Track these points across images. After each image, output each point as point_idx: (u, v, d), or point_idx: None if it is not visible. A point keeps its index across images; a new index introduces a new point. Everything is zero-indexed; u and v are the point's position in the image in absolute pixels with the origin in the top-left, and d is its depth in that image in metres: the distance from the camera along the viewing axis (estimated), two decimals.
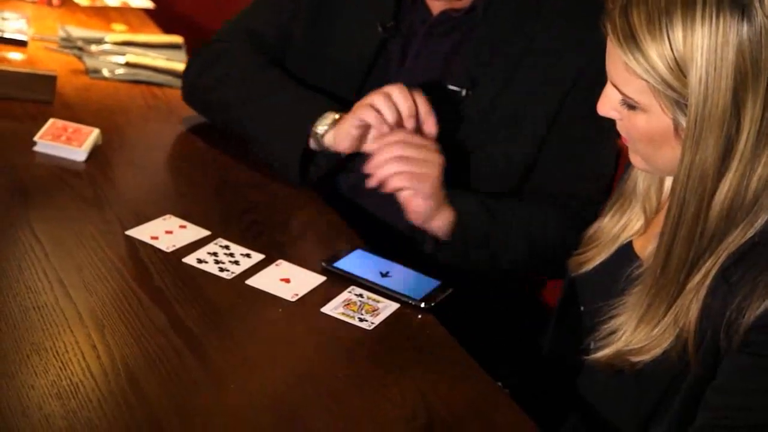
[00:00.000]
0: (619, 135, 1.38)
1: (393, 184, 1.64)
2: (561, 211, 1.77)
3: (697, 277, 1.29)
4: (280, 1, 1.93)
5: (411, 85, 1.72)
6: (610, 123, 1.38)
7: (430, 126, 1.67)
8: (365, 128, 1.69)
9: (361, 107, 1.69)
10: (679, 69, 1.23)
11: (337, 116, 1.75)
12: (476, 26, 1.78)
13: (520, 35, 1.76)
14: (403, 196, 1.65)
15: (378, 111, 1.67)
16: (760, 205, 1.27)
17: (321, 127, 1.75)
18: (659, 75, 1.24)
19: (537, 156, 1.78)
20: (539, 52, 1.76)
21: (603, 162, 1.80)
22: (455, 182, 1.74)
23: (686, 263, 1.29)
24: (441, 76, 1.79)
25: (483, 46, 1.78)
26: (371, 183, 1.65)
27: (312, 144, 1.77)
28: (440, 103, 1.74)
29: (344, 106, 1.78)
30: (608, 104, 1.34)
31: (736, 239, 1.28)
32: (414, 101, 1.67)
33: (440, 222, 1.68)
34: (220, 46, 1.97)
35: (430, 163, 1.64)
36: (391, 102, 1.67)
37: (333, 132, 1.73)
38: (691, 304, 1.29)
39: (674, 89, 1.24)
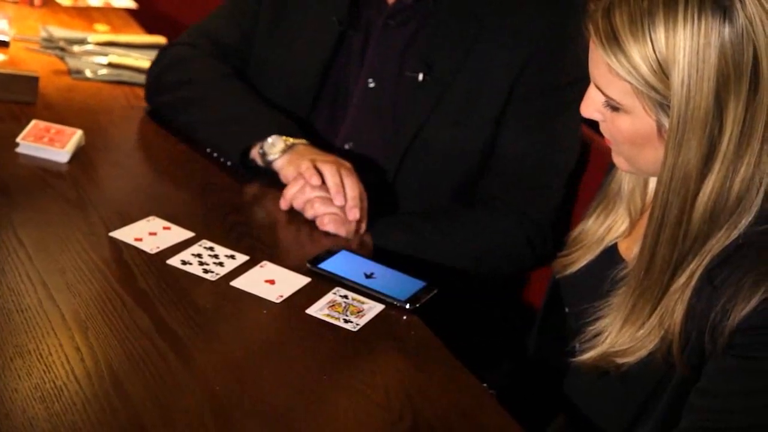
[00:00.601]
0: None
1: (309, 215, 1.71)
2: (509, 211, 1.81)
3: (682, 279, 1.30)
4: (242, 5, 1.97)
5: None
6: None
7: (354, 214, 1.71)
8: None
9: (305, 162, 1.72)
10: (662, 70, 1.24)
11: (289, 142, 1.78)
12: (430, 13, 1.83)
13: (472, 19, 1.81)
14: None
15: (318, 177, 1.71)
16: (743, 206, 1.28)
17: (272, 155, 1.78)
18: (642, 76, 1.25)
19: (493, 139, 1.82)
20: (491, 34, 1.80)
21: (560, 143, 1.83)
22: (415, 172, 1.81)
23: (670, 264, 1.30)
24: (399, 65, 1.84)
25: (437, 33, 1.83)
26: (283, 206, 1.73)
27: (256, 157, 1.81)
28: (399, 90, 1.81)
29: (303, 106, 1.86)
30: (591, 106, 1.35)
31: (719, 241, 1.29)
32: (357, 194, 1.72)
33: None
34: (181, 50, 2.01)
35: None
36: (339, 185, 1.70)
37: (283, 165, 1.76)
38: (676, 306, 1.30)
39: (657, 90, 1.25)
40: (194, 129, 1.91)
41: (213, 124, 1.88)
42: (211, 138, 1.88)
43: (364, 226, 1.72)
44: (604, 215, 1.49)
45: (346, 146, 1.88)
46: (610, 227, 1.48)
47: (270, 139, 1.79)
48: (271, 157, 1.78)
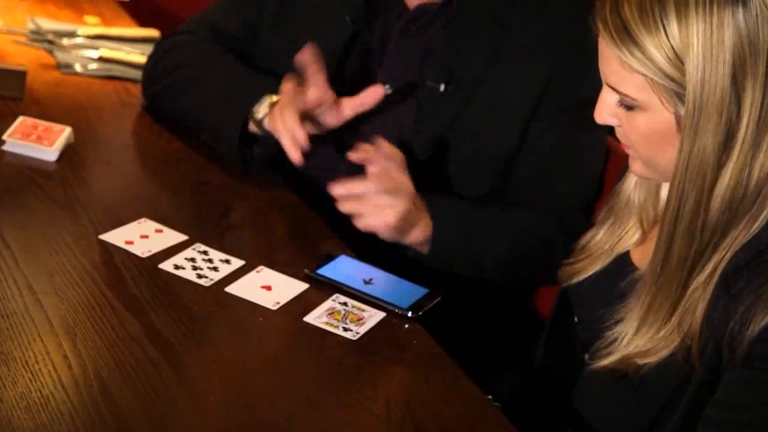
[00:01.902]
0: (606, 131, 1.39)
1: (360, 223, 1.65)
2: (544, 213, 1.80)
3: (702, 276, 1.30)
4: None
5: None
6: (594, 125, 1.40)
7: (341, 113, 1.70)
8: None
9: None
10: (677, 58, 1.25)
11: (274, 99, 1.79)
12: (452, 20, 1.82)
13: (496, 28, 1.80)
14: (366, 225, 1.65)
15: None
16: (764, 196, 1.28)
17: (260, 113, 1.79)
18: (657, 67, 1.25)
19: (517, 151, 1.81)
20: (516, 44, 1.79)
21: (587, 155, 1.83)
22: (436, 181, 1.79)
23: (688, 259, 1.30)
24: (418, 73, 1.83)
25: (459, 40, 1.81)
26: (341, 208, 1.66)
27: (253, 127, 1.81)
28: (419, 100, 1.80)
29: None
30: (605, 110, 1.35)
31: (740, 234, 1.29)
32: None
33: (415, 237, 1.70)
34: (178, 38, 2.02)
35: (398, 196, 1.64)
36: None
37: (270, 121, 1.76)
38: (697, 304, 1.30)
39: (674, 80, 1.26)
40: (187, 114, 1.92)
41: (206, 105, 1.88)
42: (212, 119, 1.87)
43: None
44: (614, 225, 1.49)
45: None
46: (621, 236, 1.48)
47: (262, 99, 1.80)
48: (260, 116, 1.79)
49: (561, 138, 1.80)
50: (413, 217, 1.67)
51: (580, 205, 1.82)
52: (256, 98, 1.81)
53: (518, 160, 1.82)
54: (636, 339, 1.35)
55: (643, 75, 1.27)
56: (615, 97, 1.32)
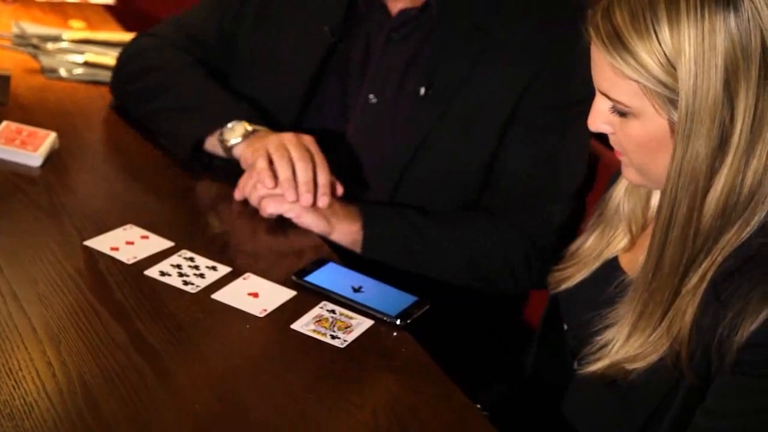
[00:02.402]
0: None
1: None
2: (508, 222, 1.82)
3: (694, 280, 1.30)
4: (224, 1, 1.98)
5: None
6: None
7: (322, 202, 1.76)
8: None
9: (259, 151, 1.76)
10: (670, 64, 1.26)
11: (249, 128, 1.81)
12: (434, 25, 1.84)
13: (478, 33, 1.82)
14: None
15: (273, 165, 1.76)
16: (756, 200, 1.29)
17: (232, 140, 1.82)
18: (650, 73, 1.26)
19: (495, 155, 1.84)
20: (497, 47, 1.81)
21: (564, 158, 1.84)
22: (414, 186, 1.83)
23: (680, 266, 1.31)
24: (401, 77, 1.85)
25: (441, 44, 1.84)
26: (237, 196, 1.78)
27: (212, 145, 1.84)
28: (399, 105, 1.83)
29: (288, 115, 1.88)
30: (598, 118, 1.36)
31: (731, 239, 1.30)
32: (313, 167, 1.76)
33: (339, 238, 1.77)
34: (149, 40, 2.04)
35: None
36: (288, 165, 1.75)
37: (243, 151, 1.80)
38: (687, 308, 1.30)
39: (666, 86, 1.26)
40: (151, 118, 1.95)
41: (171, 112, 1.91)
42: (166, 126, 1.91)
43: (324, 200, 1.76)
44: (603, 232, 1.50)
45: (345, 162, 1.89)
46: (609, 243, 1.49)
47: (230, 124, 1.82)
48: (231, 143, 1.82)
49: (537, 140, 1.82)
50: (337, 208, 1.75)
51: (552, 212, 1.83)
52: (223, 119, 1.83)
53: (496, 166, 1.84)
54: (627, 345, 1.35)
55: (636, 81, 1.28)
56: (608, 104, 1.33)
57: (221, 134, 1.83)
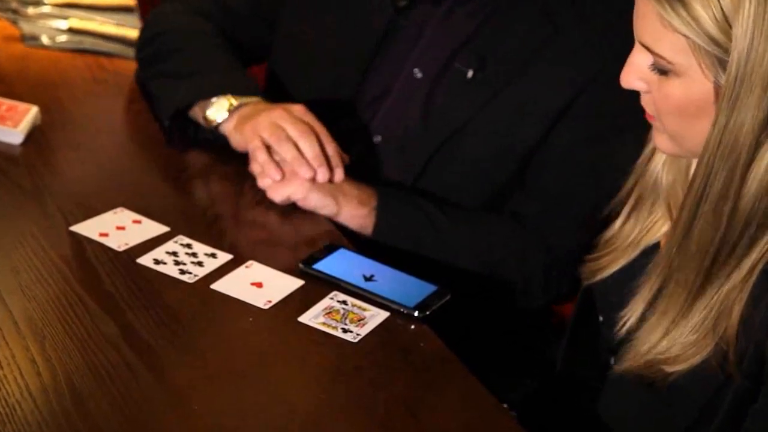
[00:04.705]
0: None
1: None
2: (535, 241, 1.83)
3: (739, 274, 1.29)
4: None
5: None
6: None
7: (339, 174, 1.77)
8: None
9: (253, 140, 1.77)
10: (725, 19, 1.23)
11: (235, 103, 1.82)
12: (499, 8, 1.84)
13: (545, 21, 1.83)
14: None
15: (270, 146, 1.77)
16: None
17: (218, 118, 1.82)
18: (702, 28, 1.25)
19: (532, 156, 1.84)
20: (564, 44, 1.82)
21: (601, 169, 1.83)
22: (447, 172, 1.84)
23: (711, 245, 1.29)
24: (450, 55, 1.85)
25: (502, 27, 1.84)
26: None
27: (198, 116, 1.85)
28: (444, 84, 1.84)
29: (340, 89, 1.89)
30: (633, 73, 1.34)
31: None
32: (316, 134, 1.77)
33: (346, 219, 1.78)
34: (171, 6, 2.06)
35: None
36: (290, 144, 1.75)
37: (229, 131, 1.81)
38: (733, 305, 1.30)
39: (718, 44, 1.25)
40: (148, 84, 1.97)
41: (165, 78, 1.93)
42: (155, 91, 1.93)
43: (340, 172, 1.77)
44: (640, 214, 1.49)
45: (375, 139, 1.89)
46: (648, 228, 1.48)
47: (214, 100, 1.83)
48: (217, 122, 1.82)
49: (581, 148, 1.82)
50: (346, 188, 1.76)
51: (580, 232, 1.81)
52: (210, 90, 1.84)
53: (531, 167, 1.85)
54: (643, 330, 1.34)
55: (685, 36, 1.26)
56: (648, 59, 1.32)
57: (204, 113, 1.83)
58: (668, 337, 1.35)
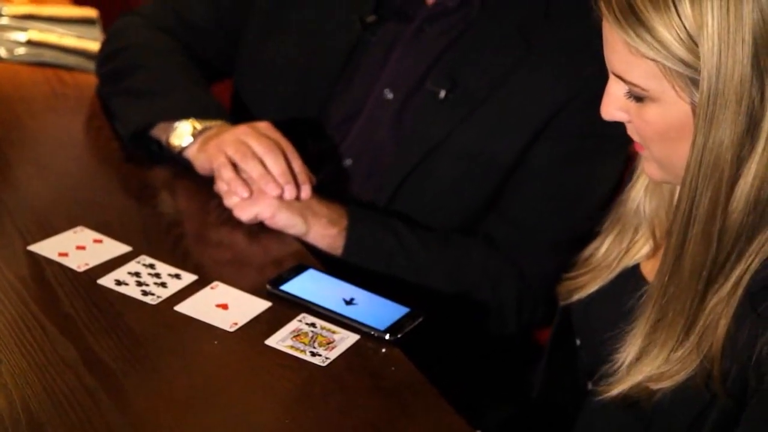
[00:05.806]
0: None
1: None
2: (508, 267, 1.84)
3: (724, 289, 1.30)
4: None
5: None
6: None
7: (306, 191, 1.78)
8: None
9: (218, 158, 1.78)
10: (691, 39, 1.25)
11: (198, 127, 1.84)
12: (471, 26, 1.85)
13: (517, 36, 1.83)
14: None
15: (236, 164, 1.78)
16: None
17: (182, 143, 1.84)
18: (669, 51, 1.26)
19: (508, 178, 1.85)
20: (540, 58, 1.83)
21: (582, 204, 1.84)
22: (417, 193, 1.85)
23: (704, 268, 1.30)
24: (422, 75, 1.86)
25: (474, 46, 1.85)
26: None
27: (161, 137, 1.86)
28: (415, 105, 1.85)
29: (307, 108, 1.90)
30: (612, 104, 1.36)
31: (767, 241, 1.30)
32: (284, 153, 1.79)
33: (315, 239, 1.78)
34: (132, 19, 2.07)
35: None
36: (256, 161, 1.77)
37: (194, 155, 1.83)
38: (718, 321, 1.30)
39: (688, 64, 1.26)
40: (109, 101, 1.98)
41: (126, 95, 1.94)
42: (116, 108, 1.94)
43: (307, 189, 1.78)
44: (621, 235, 1.50)
45: (346, 162, 1.90)
46: (629, 249, 1.49)
47: (177, 124, 1.84)
48: (182, 146, 1.84)
49: (559, 171, 1.84)
50: (315, 206, 1.77)
51: (554, 259, 1.82)
52: (173, 112, 1.85)
53: (507, 188, 1.86)
54: (642, 363, 1.35)
55: (654, 60, 1.28)
56: (623, 88, 1.34)
57: (168, 138, 1.85)
58: (647, 356, 1.35)
